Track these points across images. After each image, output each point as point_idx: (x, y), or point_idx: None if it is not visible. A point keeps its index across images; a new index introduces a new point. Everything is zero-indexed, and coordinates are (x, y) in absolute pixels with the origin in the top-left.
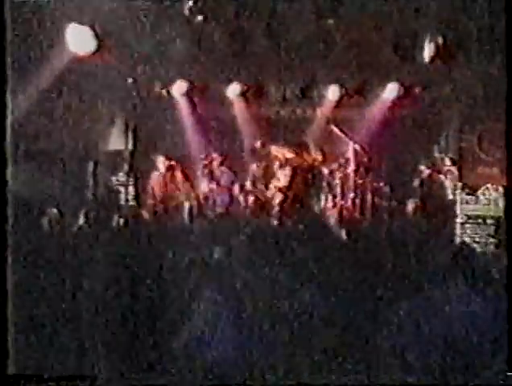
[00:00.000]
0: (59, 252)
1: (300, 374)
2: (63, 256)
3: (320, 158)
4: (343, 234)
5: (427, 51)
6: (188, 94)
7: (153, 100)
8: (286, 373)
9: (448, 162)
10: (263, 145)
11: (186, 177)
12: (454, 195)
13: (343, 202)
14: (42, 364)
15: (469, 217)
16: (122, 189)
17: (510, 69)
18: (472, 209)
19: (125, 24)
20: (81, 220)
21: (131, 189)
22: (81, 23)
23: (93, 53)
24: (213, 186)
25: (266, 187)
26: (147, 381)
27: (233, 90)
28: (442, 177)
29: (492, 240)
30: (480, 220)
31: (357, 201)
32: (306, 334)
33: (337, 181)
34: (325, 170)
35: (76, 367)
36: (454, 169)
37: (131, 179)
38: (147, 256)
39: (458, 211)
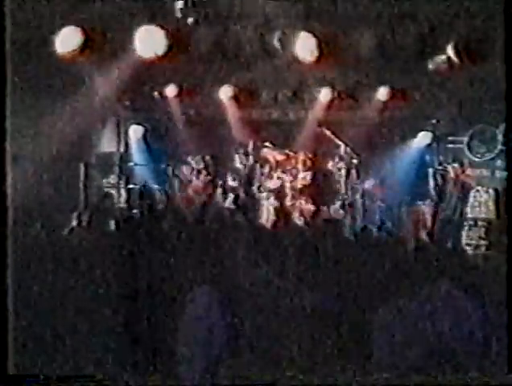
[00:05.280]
0: (55, 253)
1: (300, 374)
2: (59, 258)
3: (311, 160)
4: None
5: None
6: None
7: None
8: (286, 373)
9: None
10: (255, 147)
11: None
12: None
13: (333, 203)
14: (42, 364)
15: None
16: (114, 191)
17: (508, 70)
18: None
19: (118, 26)
20: (73, 222)
21: (123, 191)
22: (73, 25)
23: (84, 54)
24: (201, 186)
25: (259, 189)
26: (147, 381)
27: (224, 92)
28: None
29: (483, 242)
30: (471, 222)
31: (348, 202)
32: (305, 335)
33: (328, 183)
34: (316, 172)
35: (76, 367)
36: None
37: (122, 182)
38: (140, 257)
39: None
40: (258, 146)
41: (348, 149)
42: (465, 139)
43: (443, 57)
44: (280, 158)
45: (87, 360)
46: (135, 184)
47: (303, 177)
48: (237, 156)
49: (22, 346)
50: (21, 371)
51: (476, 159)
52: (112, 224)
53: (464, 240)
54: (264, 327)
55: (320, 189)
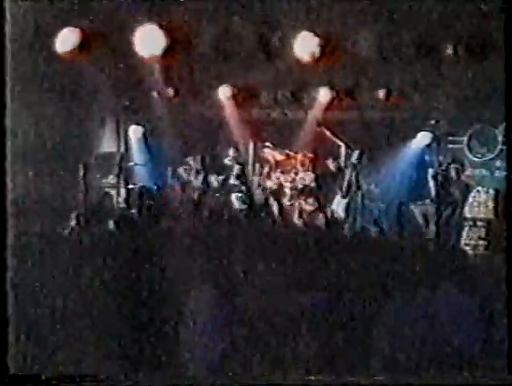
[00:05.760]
0: (54, 253)
1: (299, 374)
2: (59, 258)
3: (310, 160)
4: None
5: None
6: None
7: (145, 102)
8: (286, 374)
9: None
10: (254, 147)
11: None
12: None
13: (333, 204)
14: (42, 364)
15: None
16: (113, 191)
17: (508, 70)
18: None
19: (117, 26)
20: (72, 222)
21: (122, 191)
22: (73, 25)
23: (84, 54)
24: (200, 186)
25: (258, 189)
26: (148, 381)
27: (223, 92)
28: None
29: (482, 242)
30: (470, 223)
31: (348, 203)
32: (305, 335)
33: (328, 183)
34: (316, 173)
35: (76, 367)
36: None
37: (121, 182)
38: (139, 257)
39: None
40: (258, 146)
41: (348, 149)
42: (465, 139)
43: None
44: (280, 158)
45: (87, 360)
46: (135, 184)
47: (303, 177)
48: (236, 156)
49: (23, 346)
50: (21, 371)
51: (476, 159)
52: (111, 224)
53: (463, 240)
54: (264, 327)
55: (319, 189)
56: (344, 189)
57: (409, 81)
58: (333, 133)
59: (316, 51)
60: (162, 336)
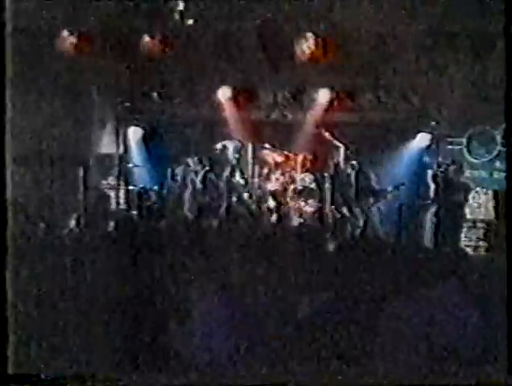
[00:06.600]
0: (54, 254)
1: (299, 375)
2: (58, 259)
3: (310, 161)
4: (332, 237)
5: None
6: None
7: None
8: (286, 374)
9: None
10: (254, 148)
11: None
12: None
13: (333, 205)
14: (42, 364)
15: None
16: (113, 192)
17: (508, 71)
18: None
19: (118, 27)
20: (72, 223)
21: (122, 192)
22: (74, 25)
23: (84, 55)
24: (200, 187)
25: (258, 190)
26: (147, 381)
27: (223, 93)
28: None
29: (482, 243)
30: (470, 224)
31: (347, 204)
32: (305, 335)
33: (327, 184)
34: (315, 174)
35: (75, 367)
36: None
37: (121, 183)
38: (139, 258)
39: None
40: (257, 147)
41: (348, 150)
42: (464, 141)
43: None
44: (279, 159)
45: (87, 360)
46: (134, 185)
47: (302, 178)
48: (235, 157)
49: (23, 346)
50: (21, 370)
51: (476, 161)
52: (111, 225)
53: (463, 241)
54: (265, 327)
55: (319, 190)
56: (343, 190)
57: (409, 82)
58: (332, 135)
59: (316, 52)
60: (162, 337)
